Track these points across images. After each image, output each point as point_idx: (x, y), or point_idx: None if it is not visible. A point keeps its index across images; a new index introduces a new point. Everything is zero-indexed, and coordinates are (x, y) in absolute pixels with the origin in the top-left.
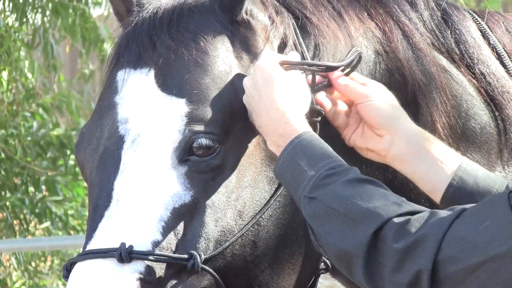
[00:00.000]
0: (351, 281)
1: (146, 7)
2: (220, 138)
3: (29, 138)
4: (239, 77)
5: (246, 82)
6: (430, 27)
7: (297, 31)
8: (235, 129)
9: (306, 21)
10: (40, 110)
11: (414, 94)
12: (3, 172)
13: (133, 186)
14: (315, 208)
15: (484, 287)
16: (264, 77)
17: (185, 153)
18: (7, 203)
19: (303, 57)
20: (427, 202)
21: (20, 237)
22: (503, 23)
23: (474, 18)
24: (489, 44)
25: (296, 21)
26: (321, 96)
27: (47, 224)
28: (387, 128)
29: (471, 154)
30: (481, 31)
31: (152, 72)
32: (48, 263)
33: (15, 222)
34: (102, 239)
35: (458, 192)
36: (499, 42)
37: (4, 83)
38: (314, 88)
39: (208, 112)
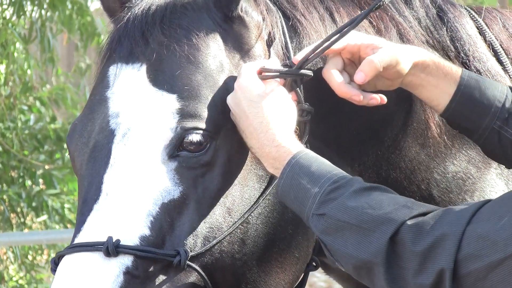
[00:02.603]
0: (346, 278)
1: (139, 3)
2: (211, 134)
3: (26, 132)
4: (231, 76)
5: (229, 101)
6: (425, 25)
7: (285, 31)
8: (227, 127)
9: (296, 22)
10: (37, 104)
11: (407, 91)
12: (0, 166)
13: (122, 180)
14: (326, 224)
15: (504, 283)
16: (247, 98)
17: (176, 149)
18: (4, 197)
19: (287, 58)
20: (421, 200)
21: (17, 231)
22: (500, 19)
23: (471, 15)
24: (485, 41)
25: (287, 21)
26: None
27: (44, 217)
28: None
29: (466, 151)
30: (477, 28)
31: (144, 67)
32: (45, 256)
33: (12, 215)
34: (90, 232)
35: (464, 97)
36: (496, 39)
37: (1, 77)
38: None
39: (199, 109)
